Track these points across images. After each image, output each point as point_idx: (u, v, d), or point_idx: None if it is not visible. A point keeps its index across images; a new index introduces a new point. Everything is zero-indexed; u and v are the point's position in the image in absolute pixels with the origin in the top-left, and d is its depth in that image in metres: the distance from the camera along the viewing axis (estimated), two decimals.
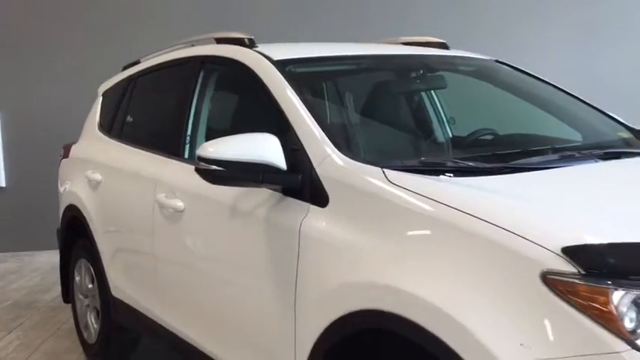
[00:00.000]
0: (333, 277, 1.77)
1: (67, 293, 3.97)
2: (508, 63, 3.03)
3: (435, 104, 2.99)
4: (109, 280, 3.31)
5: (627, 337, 1.24)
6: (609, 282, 1.28)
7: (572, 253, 1.32)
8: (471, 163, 2.00)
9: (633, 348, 1.23)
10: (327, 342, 1.78)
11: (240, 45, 2.63)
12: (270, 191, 2.07)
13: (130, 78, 3.61)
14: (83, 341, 3.77)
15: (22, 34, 6.14)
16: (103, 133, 3.67)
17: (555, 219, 1.46)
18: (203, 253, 2.51)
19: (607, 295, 1.27)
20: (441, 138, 2.88)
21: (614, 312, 1.25)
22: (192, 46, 3.07)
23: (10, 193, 6.29)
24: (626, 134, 2.59)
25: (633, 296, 1.27)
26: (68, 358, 3.74)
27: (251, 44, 2.61)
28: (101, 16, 6.12)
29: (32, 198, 6.11)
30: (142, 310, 3.03)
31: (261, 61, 2.41)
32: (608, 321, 1.25)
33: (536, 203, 1.57)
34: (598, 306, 1.26)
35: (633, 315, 1.26)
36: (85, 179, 3.53)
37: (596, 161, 2.11)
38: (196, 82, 2.80)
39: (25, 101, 6.18)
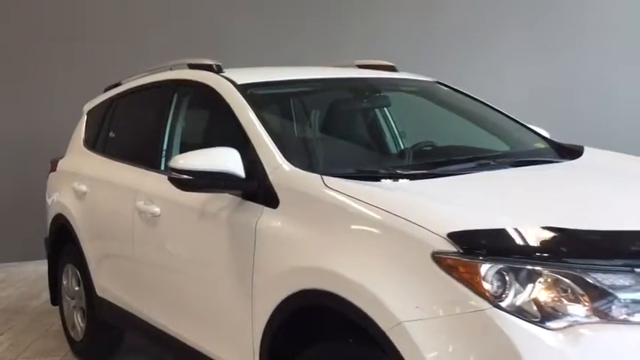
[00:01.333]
0: (280, 264, 2.14)
1: (55, 296, 4.26)
2: (447, 84, 3.44)
3: (381, 120, 3.39)
4: (94, 281, 3.62)
5: (491, 299, 1.62)
6: (480, 258, 1.67)
7: (454, 237, 1.71)
8: (399, 171, 2.39)
9: (495, 307, 1.61)
10: (277, 318, 2.14)
11: (209, 70, 2.98)
12: (231, 196, 2.44)
13: (112, 98, 3.95)
14: (70, 340, 4.07)
15: (13, 59, 6.43)
16: (88, 148, 4.00)
17: (445, 212, 1.85)
18: (177, 250, 2.86)
19: (477, 268, 1.65)
20: (383, 149, 3.29)
21: (482, 281, 1.64)
22: (171, 69, 3.41)
23: None
24: (542, 145, 3.01)
25: (497, 269, 1.65)
26: (56, 356, 4.05)
27: (218, 69, 2.97)
28: (86, 40, 6.43)
29: (19, 211, 6.32)
30: (124, 307, 3.35)
31: (226, 85, 2.78)
32: (478, 287, 1.63)
33: (437, 200, 1.96)
34: (471, 276, 1.65)
35: (497, 282, 1.64)
36: (72, 190, 3.85)
37: (507, 168, 2.52)
38: (171, 102, 3.17)
39: (12, 119, 6.45)
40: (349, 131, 3.10)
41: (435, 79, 3.46)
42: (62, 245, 4.05)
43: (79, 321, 3.95)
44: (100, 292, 3.60)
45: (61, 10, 6.46)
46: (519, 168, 2.53)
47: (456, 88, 3.41)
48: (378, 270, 1.82)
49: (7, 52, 6.42)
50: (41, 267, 5.06)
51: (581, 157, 2.76)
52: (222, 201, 2.48)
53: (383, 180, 2.25)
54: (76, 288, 3.93)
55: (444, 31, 6.68)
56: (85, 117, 4.24)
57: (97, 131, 4.00)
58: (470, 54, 6.65)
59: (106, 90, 4.15)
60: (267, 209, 2.29)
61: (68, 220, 3.85)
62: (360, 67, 3.53)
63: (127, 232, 3.17)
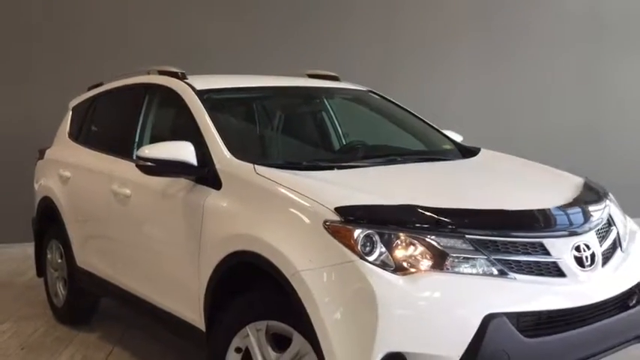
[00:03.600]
0: (221, 232, 2.74)
1: (40, 269, 4.83)
2: (378, 93, 4.07)
3: (317, 122, 4.01)
4: (75, 254, 4.20)
5: (359, 254, 2.23)
6: (355, 225, 2.29)
7: (339, 210, 2.34)
8: (319, 163, 3.01)
9: (362, 259, 2.22)
10: (218, 273, 2.74)
11: (175, 77, 3.56)
12: (187, 180, 3.02)
13: (94, 97, 4.51)
14: (53, 306, 4.64)
15: (4, 57, 6.94)
16: (72, 139, 4.55)
17: (336, 192, 2.48)
18: (143, 225, 3.44)
19: (352, 232, 2.27)
20: (315, 146, 3.91)
21: (354, 242, 2.26)
22: (149, 74, 3.94)
23: None
24: (449, 146, 3.65)
25: (366, 233, 2.27)
26: (39, 320, 4.60)
27: (182, 76, 3.56)
28: (73, 42, 6.93)
29: (7, 196, 6.79)
30: (100, 275, 3.92)
31: (187, 90, 3.36)
32: (352, 247, 2.25)
33: (334, 184, 2.59)
34: (348, 238, 2.27)
35: (365, 243, 2.26)
36: (57, 176, 4.42)
37: (409, 163, 3.16)
38: (143, 102, 3.75)
39: (2, 113, 6.97)
40: (287, 130, 3.72)
41: (369, 89, 4.09)
42: (47, 223, 4.59)
43: (61, 289, 4.51)
44: (80, 263, 4.16)
45: (54, 17, 6.95)
46: (419, 163, 3.17)
47: (385, 96, 4.04)
48: (286, 234, 2.44)
49: (5, 55, 6.93)
50: (28, 248, 5.58)
51: (474, 157, 3.41)
52: (179, 184, 3.07)
53: (305, 170, 2.87)
54: (59, 260, 4.49)
55: (403, 47, 7.24)
56: (70, 112, 4.77)
57: (80, 125, 4.55)
58: (426, 68, 7.21)
59: (89, 89, 4.68)
60: (213, 191, 2.89)
61: (53, 201, 4.41)
62: (310, 76, 4.15)
63: (104, 210, 3.76)
